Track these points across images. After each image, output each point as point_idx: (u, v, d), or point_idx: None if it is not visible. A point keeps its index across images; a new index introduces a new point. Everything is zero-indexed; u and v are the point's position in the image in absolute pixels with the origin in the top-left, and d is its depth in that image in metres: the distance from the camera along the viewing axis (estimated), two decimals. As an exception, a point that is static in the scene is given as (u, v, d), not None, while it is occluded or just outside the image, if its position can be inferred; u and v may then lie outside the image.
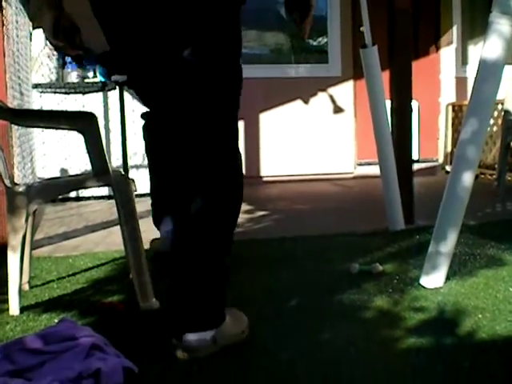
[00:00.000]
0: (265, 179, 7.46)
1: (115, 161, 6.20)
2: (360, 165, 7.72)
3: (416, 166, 7.16)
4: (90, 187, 2.97)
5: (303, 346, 2.35)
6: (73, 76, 6.27)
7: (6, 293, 2.85)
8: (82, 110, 5.97)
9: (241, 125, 7.23)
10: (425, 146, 7.87)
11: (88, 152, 2.81)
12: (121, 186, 2.84)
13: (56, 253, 4.00)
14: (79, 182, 3.04)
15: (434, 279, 3.05)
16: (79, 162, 5.80)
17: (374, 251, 3.79)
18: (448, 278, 3.11)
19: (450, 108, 7.84)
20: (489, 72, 2.97)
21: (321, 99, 7.64)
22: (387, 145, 4.31)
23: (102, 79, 6.27)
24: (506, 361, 2.21)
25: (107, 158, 2.83)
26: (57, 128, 3.34)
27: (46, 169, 6.10)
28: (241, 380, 2.08)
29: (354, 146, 7.76)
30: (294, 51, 8.00)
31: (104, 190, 5.86)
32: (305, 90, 7.53)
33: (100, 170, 2.79)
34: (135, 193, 2.91)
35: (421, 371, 2.14)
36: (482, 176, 7.27)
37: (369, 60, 4.23)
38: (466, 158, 3.00)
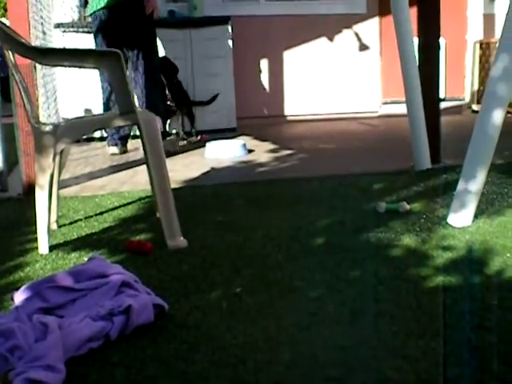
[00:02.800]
0: (289, 118, 7.41)
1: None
2: (385, 103, 7.63)
3: (443, 105, 7.06)
4: (117, 126, 2.97)
5: (331, 283, 2.36)
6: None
7: (35, 232, 2.88)
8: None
9: (264, 63, 7.18)
10: (451, 85, 7.75)
11: (113, 91, 2.80)
12: (147, 125, 2.82)
13: (83, 192, 4.02)
14: (105, 120, 3.04)
15: (462, 218, 3.03)
16: (99, 103, 5.79)
17: (401, 190, 3.77)
18: (476, 217, 3.10)
19: (478, 45, 7.70)
20: (522, 6, 2.90)
21: (346, 36, 7.52)
22: (414, 82, 4.25)
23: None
24: (535, 299, 2.21)
25: (133, 96, 2.82)
26: (82, 67, 3.34)
27: (70, 109, 6.08)
28: (270, 316, 2.10)
29: (379, 84, 7.66)
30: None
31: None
32: (330, 27, 7.41)
33: (126, 108, 2.78)
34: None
35: (449, 309, 2.14)
36: (509, 115, 7.17)
37: (397, -5, 4.14)
38: (497, 95, 2.95)
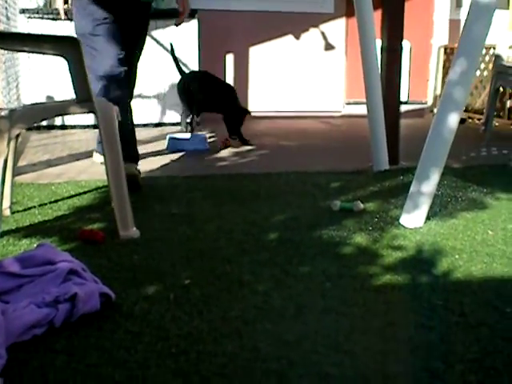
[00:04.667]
0: (253, 114, 7.39)
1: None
2: (349, 104, 7.67)
3: (405, 108, 7.14)
4: (73, 113, 2.95)
5: (279, 278, 2.38)
6: (60, 2, 6.12)
7: (-13, 216, 2.85)
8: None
9: (230, 58, 7.18)
10: (414, 88, 7.81)
11: (71, 78, 2.78)
12: (104, 113, 2.82)
13: (39, 180, 3.98)
14: (62, 107, 3.02)
15: (414, 219, 3.07)
16: (66, 90, 5.72)
17: (357, 189, 3.80)
18: (428, 219, 3.14)
19: (442, 50, 7.77)
20: (480, 13, 2.94)
21: (312, 35, 7.54)
22: (375, 84, 4.28)
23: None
24: (479, 301, 2.24)
25: (90, 84, 2.80)
26: (40, 52, 3.30)
27: (32, 95, 6.02)
28: (217, 309, 2.10)
29: (343, 84, 7.70)
30: (287, -15, 7.88)
31: (90, 119, 5.81)
32: (296, 26, 7.42)
33: (83, 96, 2.77)
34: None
35: (394, 307, 2.17)
36: (470, 120, 7.26)
37: (361, -4, 4.17)
38: (453, 98, 2.98)
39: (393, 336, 1.95)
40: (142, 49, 4.35)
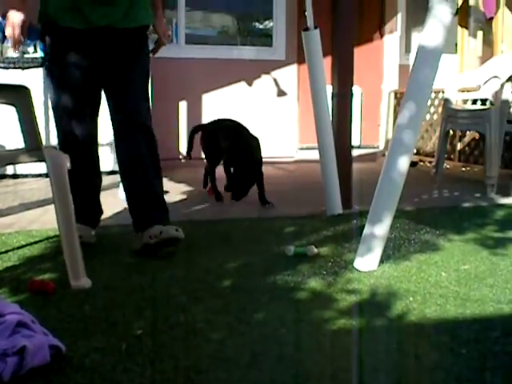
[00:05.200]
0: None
1: (54, 138, 6.07)
2: (302, 149, 7.73)
3: (357, 152, 7.22)
4: (23, 162, 2.91)
5: (234, 325, 2.35)
6: (12, 51, 6.11)
7: None
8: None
9: (183, 105, 7.20)
10: (366, 133, 7.93)
11: (20, 126, 2.75)
12: (53, 162, 2.78)
13: (-11, 230, 3.91)
14: (11, 156, 2.98)
15: (367, 262, 3.07)
16: (17, 138, 5.67)
17: (311, 234, 3.81)
18: (382, 262, 3.14)
19: (393, 95, 7.90)
20: (427, 57, 2.99)
21: (264, 82, 7.63)
22: (326, 129, 4.32)
23: (43, 55, 6.13)
24: (434, 344, 2.24)
25: (40, 133, 2.77)
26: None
27: (-18, 145, 5.95)
28: (169, 358, 2.06)
29: (296, 130, 7.77)
30: (239, 33, 7.98)
31: (42, 168, 5.75)
32: (249, 73, 7.51)
33: (32, 144, 2.74)
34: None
35: (349, 352, 2.15)
36: (422, 163, 7.36)
37: (310, 43, 4.23)
38: (403, 142, 3.02)
39: (347, 381, 1.93)
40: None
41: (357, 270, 3.07)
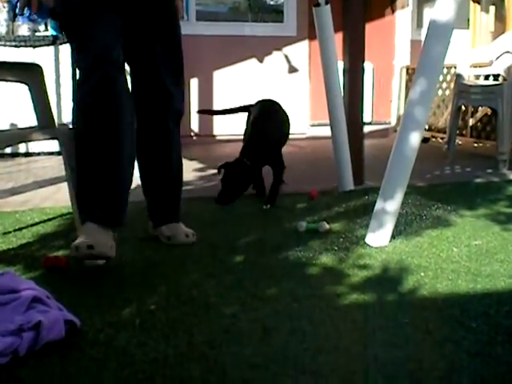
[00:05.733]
0: (218, 138, 7.43)
1: (66, 116, 6.10)
2: (313, 126, 7.72)
3: (369, 128, 7.21)
4: (36, 140, 2.94)
5: (246, 301, 2.37)
6: (23, 29, 6.07)
7: (-52, 246, 2.81)
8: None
9: (194, 83, 7.20)
10: (378, 109, 7.91)
11: (33, 104, 2.77)
12: (66, 140, 2.80)
13: (3, 208, 3.94)
14: (24, 134, 3.00)
15: (379, 237, 3.09)
16: (30, 117, 5.70)
17: (323, 210, 3.82)
18: (393, 237, 3.16)
19: (405, 71, 7.87)
20: (438, 32, 2.98)
21: (276, 58, 7.61)
22: (338, 105, 4.32)
23: (54, 33, 6.12)
24: (445, 318, 2.25)
25: (53, 111, 2.79)
26: (2, 80, 3.28)
27: (-5, 123, 5.98)
28: (183, 333, 2.09)
29: (308, 106, 7.76)
30: (250, 9, 7.96)
31: (54, 146, 5.78)
32: (260, 49, 7.49)
33: (45, 122, 2.76)
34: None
35: (361, 326, 2.17)
36: (434, 139, 7.34)
37: (321, 18, 4.21)
38: (414, 117, 3.02)
39: (360, 355, 1.95)
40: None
41: (368, 245, 3.08)
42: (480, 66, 6.26)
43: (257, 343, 2.03)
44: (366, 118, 7.87)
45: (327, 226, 3.35)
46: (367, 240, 3.11)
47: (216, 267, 2.78)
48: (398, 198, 3.08)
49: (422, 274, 2.67)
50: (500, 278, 2.64)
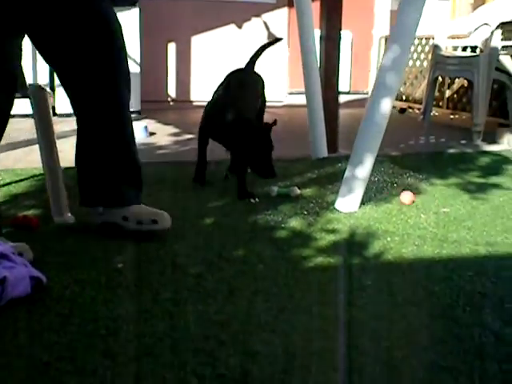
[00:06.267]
0: (195, 104, 7.40)
1: (42, 78, 6.05)
2: (291, 94, 7.72)
3: (347, 98, 7.22)
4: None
5: (213, 261, 2.39)
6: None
7: None
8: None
9: (172, 47, 7.16)
10: (356, 78, 7.92)
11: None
12: (37, 99, 2.79)
13: (-26, 168, 3.92)
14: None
15: (348, 203, 3.11)
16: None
17: (295, 176, 3.84)
18: (363, 203, 3.18)
19: (383, 40, 7.86)
20: (412, 0, 2.99)
21: (255, 25, 7.57)
22: (314, 73, 4.32)
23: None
24: (408, 281, 2.29)
25: (23, 70, 2.77)
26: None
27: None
28: (148, 291, 2.10)
29: (286, 74, 7.75)
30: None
31: (29, 109, 5.74)
32: (239, 15, 7.44)
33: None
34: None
35: (324, 287, 2.20)
36: (411, 110, 7.36)
37: (298, -15, 4.20)
38: (386, 84, 3.03)
39: (321, 314, 1.98)
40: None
41: (338, 210, 3.11)
42: (458, 38, 6.27)
43: (221, 302, 2.05)
44: (344, 87, 7.89)
45: (298, 191, 3.37)
46: (337, 205, 3.14)
47: (185, 229, 2.79)
48: (368, 164, 3.10)
49: (389, 239, 2.71)
50: (466, 245, 2.68)
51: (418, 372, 1.69)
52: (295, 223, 2.89)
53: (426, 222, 2.97)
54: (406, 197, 3.31)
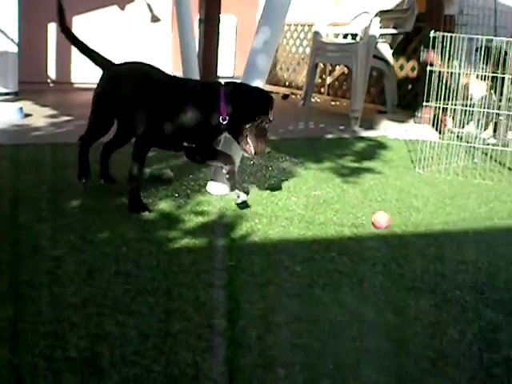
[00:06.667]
0: (76, 85, 7.24)
1: None
2: (175, 77, 7.65)
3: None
4: None
5: (75, 244, 2.34)
6: None
7: None
8: None
9: (52, 27, 6.96)
10: (240, 63, 7.90)
11: None
12: None
13: None
14: None
15: (219, 186, 3.11)
16: None
17: (170, 159, 3.79)
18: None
19: (268, 27, 7.91)
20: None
21: (138, 7, 7.45)
22: (191, 56, 4.29)
23: None
24: (271, 262, 2.32)
25: None
26: None
27: None
28: (5, 275, 2.04)
29: (170, 57, 7.67)
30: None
31: None
32: (121, -4, 7.32)
33: None
34: None
35: (187, 268, 2.18)
36: (294, 96, 7.43)
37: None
38: (257, 66, 3.05)
39: (180, 296, 1.96)
40: None
41: (209, 193, 3.10)
42: (339, 25, 6.37)
43: (78, 284, 2.01)
44: (228, 71, 7.90)
45: (171, 174, 3.34)
46: (208, 188, 3.13)
47: (51, 211, 2.72)
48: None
49: (257, 220, 2.72)
50: (331, 226, 2.73)
51: (271, 350, 1.70)
52: (165, 205, 2.87)
53: (296, 205, 3.00)
54: (382, 219, 2.80)
